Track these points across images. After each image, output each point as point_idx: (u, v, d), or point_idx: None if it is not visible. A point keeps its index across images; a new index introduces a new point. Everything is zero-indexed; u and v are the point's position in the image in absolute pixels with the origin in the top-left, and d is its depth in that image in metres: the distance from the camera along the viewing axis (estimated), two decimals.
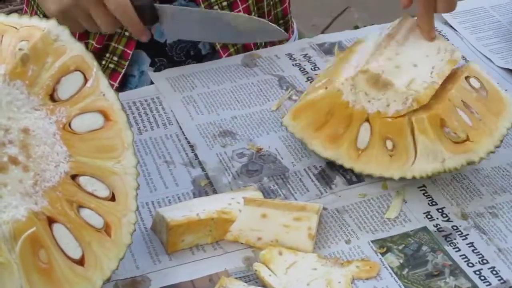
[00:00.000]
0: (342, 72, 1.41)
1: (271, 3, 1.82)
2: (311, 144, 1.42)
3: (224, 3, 1.72)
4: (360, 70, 1.36)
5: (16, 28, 1.13)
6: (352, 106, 1.37)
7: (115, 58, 1.72)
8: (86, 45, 1.71)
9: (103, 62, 1.73)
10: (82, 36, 1.70)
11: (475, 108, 1.37)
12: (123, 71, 1.73)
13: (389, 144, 1.37)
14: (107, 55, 1.73)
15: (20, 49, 1.10)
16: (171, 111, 1.56)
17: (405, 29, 1.42)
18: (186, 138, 1.50)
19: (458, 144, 1.35)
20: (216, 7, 1.70)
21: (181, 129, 1.52)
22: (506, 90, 1.63)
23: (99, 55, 1.72)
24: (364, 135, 1.38)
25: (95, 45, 1.71)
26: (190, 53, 1.77)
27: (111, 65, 1.73)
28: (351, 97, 1.37)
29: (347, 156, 1.40)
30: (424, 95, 1.34)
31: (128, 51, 1.72)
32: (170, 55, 1.76)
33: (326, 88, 1.39)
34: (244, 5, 1.74)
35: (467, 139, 1.35)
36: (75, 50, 1.15)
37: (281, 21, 1.88)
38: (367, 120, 1.37)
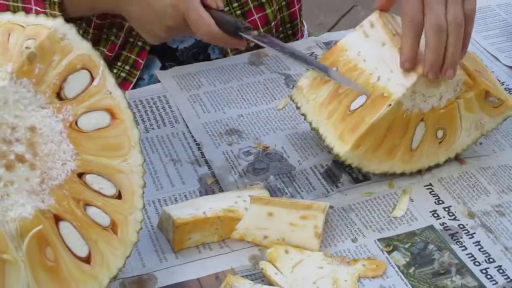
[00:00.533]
0: (382, 85, 1.33)
1: (277, 7, 1.82)
2: (366, 166, 1.37)
3: (238, 12, 1.71)
4: (420, 75, 1.32)
5: (22, 26, 1.13)
6: (410, 112, 1.35)
7: (127, 67, 1.71)
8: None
9: (115, 71, 1.72)
10: (93, 44, 1.70)
11: (479, 69, 1.43)
12: (134, 80, 1.72)
13: (439, 133, 1.40)
14: (119, 64, 1.72)
15: (26, 48, 1.10)
16: (178, 109, 1.56)
17: (393, 22, 1.41)
18: (192, 137, 1.50)
19: (497, 107, 1.44)
20: None
21: (187, 127, 1.52)
22: None
23: (110, 63, 1.71)
24: (419, 134, 1.38)
25: (107, 53, 1.70)
26: (200, 57, 1.77)
27: (123, 74, 1.72)
28: (409, 103, 1.34)
29: (400, 161, 1.39)
30: (467, 76, 1.38)
31: (140, 60, 1.71)
32: (181, 60, 1.76)
33: (390, 105, 1.31)
34: (260, 14, 1.73)
35: (505, 100, 1.44)
36: (82, 48, 1.15)
37: (288, 25, 1.86)
38: (422, 119, 1.37)
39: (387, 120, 1.33)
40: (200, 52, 1.76)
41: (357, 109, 1.34)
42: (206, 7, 1.43)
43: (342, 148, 1.34)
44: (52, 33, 1.13)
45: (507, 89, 1.63)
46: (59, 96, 1.13)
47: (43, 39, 1.12)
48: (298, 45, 1.75)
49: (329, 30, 2.02)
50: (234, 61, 1.69)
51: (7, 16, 1.14)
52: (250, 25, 1.43)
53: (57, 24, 1.14)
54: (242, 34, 1.41)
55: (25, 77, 1.10)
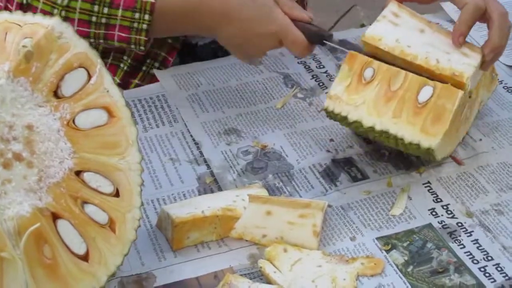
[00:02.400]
0: (446, 66, 1.35)
1: None
2: (440, 154, 1.37)
3: None
4: (483, 56, 1.37)
5: (19, 25, 1.13)
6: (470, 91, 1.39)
7: (157, 64, 1.70)
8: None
9: (144, 68, 1.70)
10: None
11: None
12: None
13: (467, 110, 1.44)
14: (148, 61, 1.70)
15: (23, 46, 1.10)
16: (177, 108, 1.56)
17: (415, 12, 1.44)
18: (191, 136, 1.50)
19: (492, 81, 1.54)
20: None
21: (186, 126, 1.52)
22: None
23: (140, 61, 1.70)
24: (464, 113, 1.42)
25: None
26: (218, 54, 1.75)
27: (152, 72, 1.71)
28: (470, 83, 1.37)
29: (454, 143, 1.44)
30: None
31: (170, 58, 1.69)
32: (200, 56, 1.75)
33: (470, 95, 1.35)
34: None
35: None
36: (79, 47, 1.15)
37: None
38: (470, 96, 1.42)
39: (462, 101, 1.35)
40: (219, 48, 1.75)
41: (429, 99, 1.33)
42: (294, 20, 1.45)
43: (432, 140, 1.32)
44: (49, 31, 1.13)
45: (505, 87, 1.63)
46: (56, 94, 1.13)
47: (40, 38, 1.12)
48: None
49: (328, 30, 2.01)
50: (233, 61, 1.69)
51: (4, 15, 1.14)
52: (331, 32, 1.46)
53: (54, 23, 1.14)
54: (326, 41, 1.44)
55: (22, 76, 1.10)
